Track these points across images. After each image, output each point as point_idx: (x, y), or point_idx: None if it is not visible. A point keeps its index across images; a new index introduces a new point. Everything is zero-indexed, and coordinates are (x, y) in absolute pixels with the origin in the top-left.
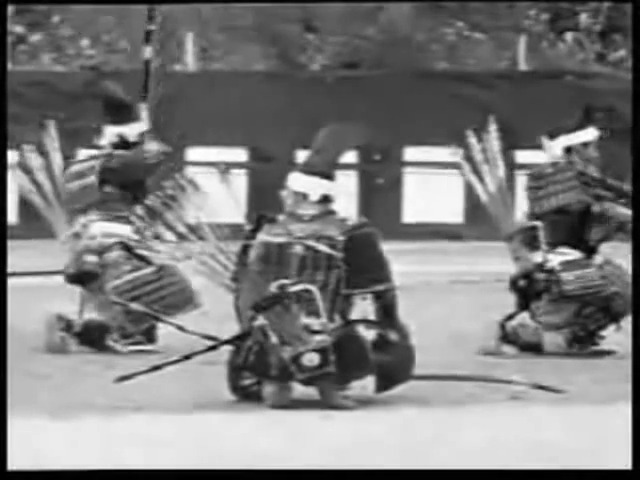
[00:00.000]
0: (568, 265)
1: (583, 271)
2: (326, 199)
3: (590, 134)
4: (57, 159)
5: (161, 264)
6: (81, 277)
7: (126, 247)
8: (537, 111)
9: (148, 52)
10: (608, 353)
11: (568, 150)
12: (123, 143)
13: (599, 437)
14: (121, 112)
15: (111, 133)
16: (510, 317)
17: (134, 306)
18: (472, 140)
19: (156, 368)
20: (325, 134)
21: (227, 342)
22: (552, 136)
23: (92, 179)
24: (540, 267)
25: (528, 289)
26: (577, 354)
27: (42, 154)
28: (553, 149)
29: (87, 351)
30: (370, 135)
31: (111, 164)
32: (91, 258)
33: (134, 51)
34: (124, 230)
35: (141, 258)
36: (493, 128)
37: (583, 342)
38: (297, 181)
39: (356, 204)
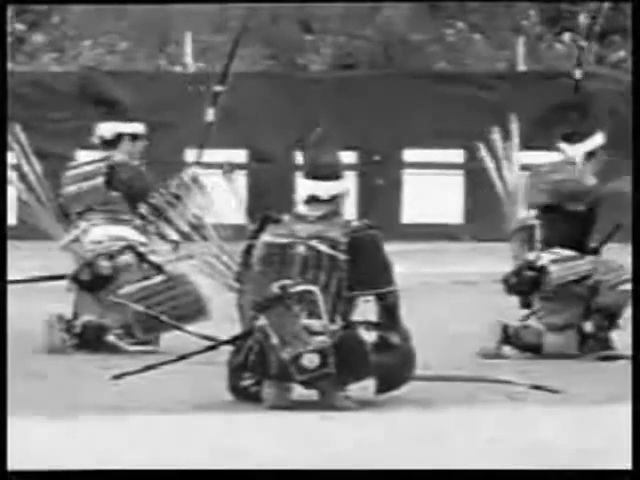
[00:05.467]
0: (557, 260)
1: (571, 262)
2: (333, 200)
3: (600, 137)
4: (35, 163)
5: (173, 273)
6: (96, 282)
7: (136, 251)
8: (536, 111)
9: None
10: (615, 358)
11: (589, 154)
12: (114, 141)
13: (599, 437)
14: (113, 109)
15: (108, 130)
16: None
17: (149, 312)
18: (496, 137)
19: (149, 368)
20: (318, 136)
21: (227, 342)
22: (570, 140)
23: (98, 181)
24: (530, 265)
25: (518, 286)
26: (578, 356)
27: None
28: (571, 153)
29: (87, 351)
30: (344, 137)
31: (120, 175)
32: (105, 263)
33: (133, 52)
34: (130, 233)
35: (152, 264)
36: (514, 126)
37: (595, 350)
38: (301, 184)
39: (356, 205)
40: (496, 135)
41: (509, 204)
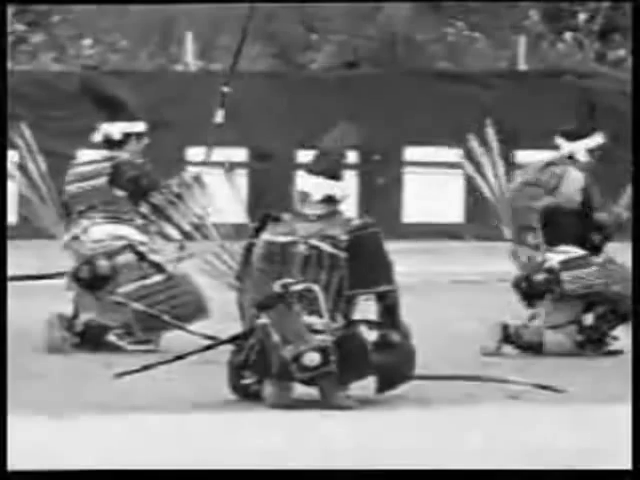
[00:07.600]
0: (567, 264)
1: (583, 270)
2: (333, 199)
3: (600, 136)
4: (39, 161)
5: (174, 272)
6: (95, 281)
7: (136, 250)
8: (537, 111)
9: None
10: (616, 353)
11: (590, 152)
12: (122, 141)
13: (599, 437)
14: (118, 109)
15: (116, 130)
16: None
17: (149, 311)
18: (473, 142)
19: (146, 368)
20: (332, 134)
21: (228, 341)
22: (571, 137)
23: (102, 180)
24: (539, 267)
25: (529, 291)
26: (578, 354)
27: (21, 158)
28: (573, 150)
29: (87, 351)
30: (363, 135)
31: (127, 173)
32: (104, 262)
33: (134, 51)
34: (130, 232)
35: (152, 263)
36: (491, 129)
37: (595, 343)
38: (304, 181)
39: (356, 204)
40: (474, 140)
41: (501, 206)
